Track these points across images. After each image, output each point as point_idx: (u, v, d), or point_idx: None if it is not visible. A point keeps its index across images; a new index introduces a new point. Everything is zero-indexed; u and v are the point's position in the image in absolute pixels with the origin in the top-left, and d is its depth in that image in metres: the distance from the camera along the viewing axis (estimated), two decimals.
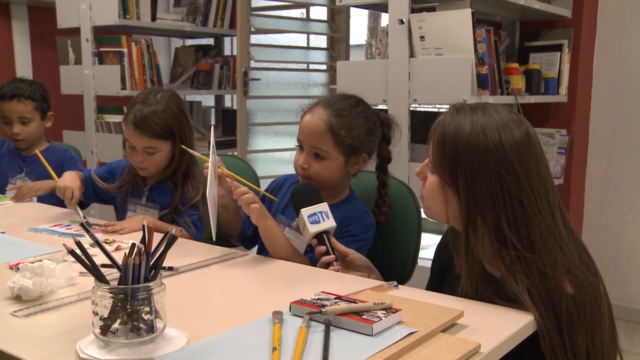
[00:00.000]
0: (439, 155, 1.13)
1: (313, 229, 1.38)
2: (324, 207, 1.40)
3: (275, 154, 4.06)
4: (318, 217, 1.38)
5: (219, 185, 1.53)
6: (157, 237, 0.95)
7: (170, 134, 1.79)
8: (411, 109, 2.41)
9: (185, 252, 1.48)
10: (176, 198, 1.82)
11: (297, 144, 1.56)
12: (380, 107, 2.54)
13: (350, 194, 1.62)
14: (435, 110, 2.58)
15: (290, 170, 1.64)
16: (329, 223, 1.39)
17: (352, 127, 1.50)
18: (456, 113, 1.13)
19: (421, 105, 2.59)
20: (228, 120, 4.14)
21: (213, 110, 4.44)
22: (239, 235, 1.66)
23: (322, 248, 1.37)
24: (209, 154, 1.41)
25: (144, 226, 0.95)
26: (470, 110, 1.12)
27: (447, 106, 1.19)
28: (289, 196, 1.47)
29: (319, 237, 1.38)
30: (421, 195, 1.20)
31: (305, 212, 1.38)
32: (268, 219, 1.45)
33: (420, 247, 1.65)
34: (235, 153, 3.70)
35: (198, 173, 1.84)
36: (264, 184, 1.80)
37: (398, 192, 1.65)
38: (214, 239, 1.43)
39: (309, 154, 1.52)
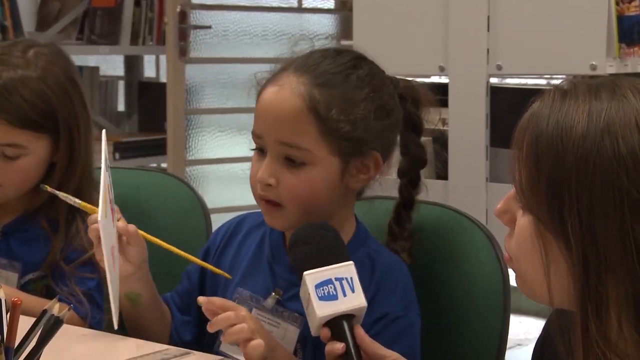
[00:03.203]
0: (531, 177, 1.14)
1: (323, 309, 1.36)
2: (347, 269, 1.39)
3: (238, 166, 4.07)
4: (334, 289, 1.37)
5: (119, 251, 1.56)
6: (23, 322, 0.96)
7: (50, 123, 1.81)
8: (492, 84, 2.43)
9: (74, 349, 1.48)
10: (55, 248, 1.84)
11: (255, 146, 1.59)
12: (433, 79, 2.56)
13: (359, 229, 1.64)
14: (537, 86, 2.61)
15: None
16: (355, 300, 1.39)
17: (351, 103, 1.56)
18: (562, 98, 1.15)
19: (511, 77, 2.61)
20: (150, 103, 4.17)
21: (121, 84, 4.46)
22: (166, 342, 1.66)
23: (338, 347, 1.37)
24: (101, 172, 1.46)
25: None
26: (588, 93, 1.14)
27: (560, 79, 1.21)
28: (288, 246, 1.49)
29: (335, 325, 1.38)
30: (507, 258, 1.21)
31: (311, 277, 1.38)
32: (278, 349, 1.49)
33: (511, 342, 1.66)
34: (164, 165, 3.73)
35: (97, 201, 1.86)
36: (215, 224, 1.82)
37: (466, 238, 1.68)
38: (115, 326, 1.45)
39: (276, 158, 1.55)
